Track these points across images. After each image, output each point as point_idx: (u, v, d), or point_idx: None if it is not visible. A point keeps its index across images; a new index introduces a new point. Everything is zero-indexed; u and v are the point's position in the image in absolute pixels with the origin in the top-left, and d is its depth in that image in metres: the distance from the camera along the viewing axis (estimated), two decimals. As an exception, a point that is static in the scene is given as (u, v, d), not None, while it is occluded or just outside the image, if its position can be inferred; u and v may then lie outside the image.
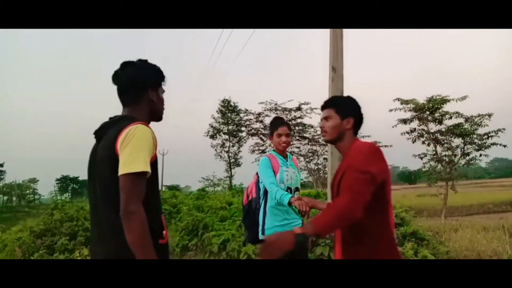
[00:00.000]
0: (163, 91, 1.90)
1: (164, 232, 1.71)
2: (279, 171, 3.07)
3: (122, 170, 1.50)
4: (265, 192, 3.08)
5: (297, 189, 3.13)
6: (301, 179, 3.55)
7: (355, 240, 1.92)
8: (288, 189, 3.05)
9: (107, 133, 1.66)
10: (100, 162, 1.63)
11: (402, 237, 5.58)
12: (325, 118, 2.11)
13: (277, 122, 3.22)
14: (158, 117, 1.87)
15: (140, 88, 1.78)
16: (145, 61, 1.86)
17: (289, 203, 2.69)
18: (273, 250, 1.60)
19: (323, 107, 2.15)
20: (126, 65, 1.81)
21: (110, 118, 1.77)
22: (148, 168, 1.54)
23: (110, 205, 1.59)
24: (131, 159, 1.51)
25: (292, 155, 3.39)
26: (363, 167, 1.78)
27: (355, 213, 1.69)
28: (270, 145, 21.98)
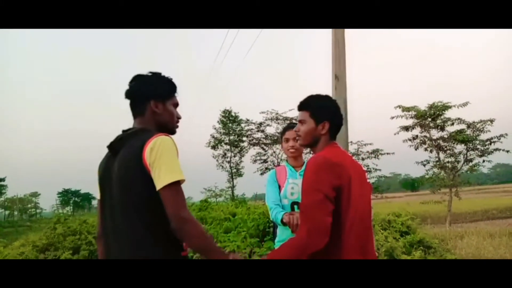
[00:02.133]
0: (176, 104, 1.88)
1: (184, 244, 1.69)
2: (284, 184, 2.78)
3: (164, 181, 1.53)
4: None
5: None
6: None
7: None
8: (295, 204, 2.71)
9: (126, 146, 1.65)
10: (123, 175, 1.62)
11: (410, 246, 5.51)
12: (300, 122, 1.99)
13: (285, 127, 2.95)
14: (168, 130, 1.82)
15: (143, 99, 1.78)
16: (157, 73, 1.85)
17: (283, 222, 2.42)
18: None
19: (299, 108, 2.02)
20: (135, 78, 1.83)
21: (123, 131, 1.76)
22: (184, 176, 1.60)
23: (134, 218, 1.59)
24: (169, 170, 1.55)
25: None
26: (313, 187, 1.69)
27: (314, 245, 1.64)
28: (271, 155, 21.93)
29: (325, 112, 1.95)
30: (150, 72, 1.84)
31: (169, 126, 1.85)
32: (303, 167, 2.80)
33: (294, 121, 2.96)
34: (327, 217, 1.67)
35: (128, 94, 1.81)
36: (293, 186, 2.73)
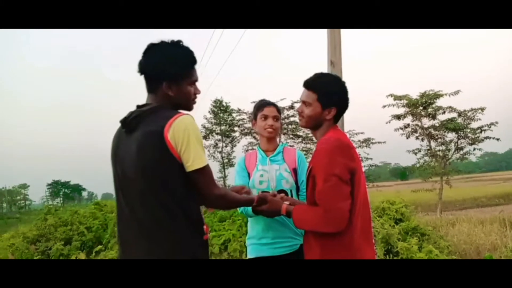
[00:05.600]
0: (193, 81, 1.71)
1: (204, 226, 1.64)
2: (253, 172, 2.47)
3: (197, 164, 1.55)
4: None
5: (282, 192, 2.30)
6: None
7: (314, 241, 1.80)
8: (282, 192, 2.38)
9: (145, 125, 1.55)
10: (142, 156, 1.53)
11: (405, 233, 5.55)
12: (304, 102, 1.87)
13: (262, 103, 2.54)
14: (184, 108, 1.71)
15: (154, 80, 1.64)
16: (175, 44, 1.67)
17: (256, 212, 2.10)
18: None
19: (305, 87, 1.88)
20: (147, 49, 1.66)
21: (138, 107, 1.64)
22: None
23: (154, 203, 1.52)
24: (200, 153, 1.56)
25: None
26: (327, 171, 1.64)
27: (331, 230, 1.65)
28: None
29: (333, 98, 1.85)
30: (167, 43, 1.66)
31: (185, 106, 1.72)
32: (276, 152, 2.52)
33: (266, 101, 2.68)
34: (345, 201, 1.63)
35: (139, 70, 1.66)
36: (263, 173, 2.44)
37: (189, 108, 1.75)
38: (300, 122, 1.93)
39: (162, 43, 1.66)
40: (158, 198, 1.51)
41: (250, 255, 2.47)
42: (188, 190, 1.57)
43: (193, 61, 1.70)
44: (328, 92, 1.84)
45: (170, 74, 1.62)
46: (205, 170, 1.58)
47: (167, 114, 1.56)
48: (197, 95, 1.77)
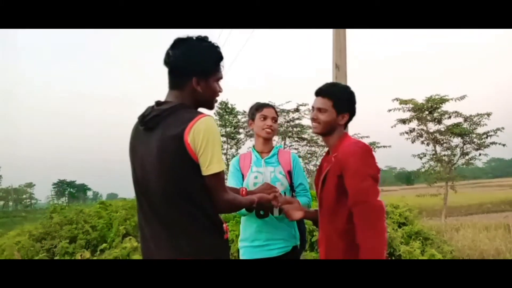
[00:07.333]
0: (219, 78, 1.69)
1: (224, 225, 1.64)
2: (247, 173, 2.49)
3: (213, 169, 1.53)
4: None
5: None
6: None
7: (338, 240, 1.86)
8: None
9: (166, 125, 1.53)
10: (163, 158, 1.51)
11: (408, 236, 5.54)
12: (319, 110, 1.96)
13: (261, 104, 2.57)
14: (207, 107, 1.72)
15: (184, 75, 1.60)
16: (202, 39, 1.63)
17: (250, 209, 2.16)
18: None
19: (319, 94, 1.99)
20: (177, 43, 1.62)
21: (158, 104, 1.61)
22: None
23: (176, 204, 1.53)
24: (217, 158, 1.53)
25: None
26: (364, 171, 1.75)
27: (380, 220, 1.71)
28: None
29: (347, 104, 1.99)
30: (195, 38, 1.62)
31: (208, 104, 1.72)
32: (271, 154, 2.54)
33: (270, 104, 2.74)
34: (378, 195, 1.74)
35: (167, 64, 1.63)
36: (257, 175, 2.45)
37: (212, 106, 1.74)
38: (315, 128, 2.01)
39: (190, 38, 1.62)
40: (179, 201, 1.52)
41: (242, 258, 2.49)
42: (206, 191, 1.56)
43: (221, 57, 1.67)
44: (342, 99, 1.98)
45: (201, 70, 1.60)
46: (220, 175, 1.55)
47: (188, 116, 1.53)
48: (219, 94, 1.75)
